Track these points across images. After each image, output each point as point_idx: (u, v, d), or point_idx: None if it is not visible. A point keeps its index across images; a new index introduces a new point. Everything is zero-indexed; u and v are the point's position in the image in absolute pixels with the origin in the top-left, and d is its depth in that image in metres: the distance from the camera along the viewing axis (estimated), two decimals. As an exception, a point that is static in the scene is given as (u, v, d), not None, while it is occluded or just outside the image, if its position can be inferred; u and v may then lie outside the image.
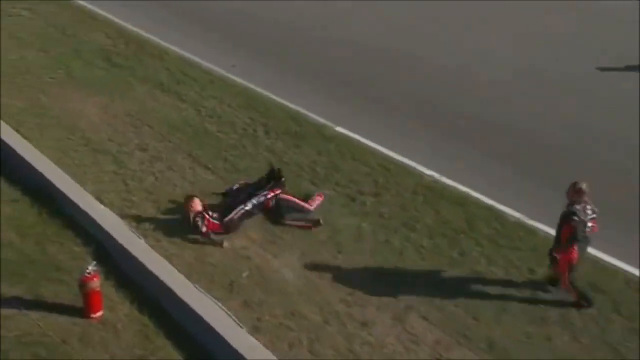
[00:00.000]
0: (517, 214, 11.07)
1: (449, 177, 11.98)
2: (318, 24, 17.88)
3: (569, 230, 8.84)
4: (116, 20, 18.24)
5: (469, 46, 16.53)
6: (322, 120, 13.73)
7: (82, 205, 11.05)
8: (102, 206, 11.15)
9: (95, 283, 9.32)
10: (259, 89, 14.87)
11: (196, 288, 9.62)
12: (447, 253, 10.44)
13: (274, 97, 14.58)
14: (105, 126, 13.58)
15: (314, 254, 10.45)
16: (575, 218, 8.80)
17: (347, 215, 11.22)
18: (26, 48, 16.70)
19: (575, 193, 8.90)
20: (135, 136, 13.26)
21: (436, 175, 12.06)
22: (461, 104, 14.17)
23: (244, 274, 10.06)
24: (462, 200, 11.43)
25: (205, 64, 15.95)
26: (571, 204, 8.93)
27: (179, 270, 9.92)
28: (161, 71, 15.68)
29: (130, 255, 10.12)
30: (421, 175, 12.09)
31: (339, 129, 13.46)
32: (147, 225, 10.91)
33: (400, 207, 11.38)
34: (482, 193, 11.56)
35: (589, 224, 8.93)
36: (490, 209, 11.25)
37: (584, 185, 8.90)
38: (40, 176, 11.76)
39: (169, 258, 10.20)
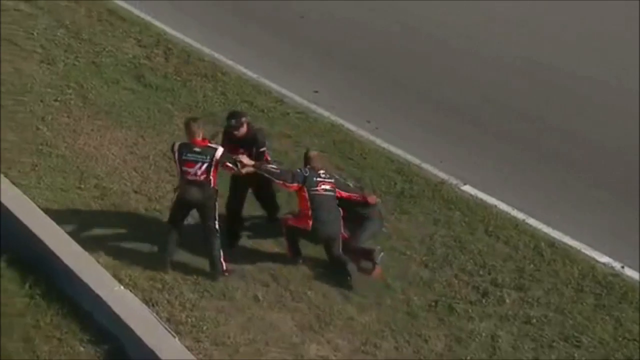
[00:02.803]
0: None
1: (637, 268, 11.79)
2: (459, 33, 18.08)
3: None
4: (154, 22, 18.69)
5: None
6: (442, 175, 13.76)
7: (93, 284, 11.04)
8: (121, 287, 11.16)
9: (108, 399, 9.36)
10: (352, 127, 15.02)
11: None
12: (632, 386, 10.27)
13: (373, 138, 14.71)
14: (130, 172, 13.82)
15: (428, 373, 10.39)
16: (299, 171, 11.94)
17: (476, 317, 11.13)
18: (24, 58, 17.14)
19: (305, 159, 12.21)
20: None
21: (616, 264, 11.90)
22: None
23: (322, 397, 10.07)
24: (659, 306, 11.25)
25: (278, 88, 16.18)
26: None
27: (227, 387, 9.93)
28: (214, 97, 15.94)
29: (158, 361, 10.14)
30: (592, 263, 11.96)
31: (467, 188, 13.48)
32: (183, 317, 10.97)
33: (557, 309, 11.25)
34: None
35: (327, 186, 11.84)
36: None
37: (311, 153, 12.33)
38: (35, 241, 11.76)
39: (213, 367, 10.23)
